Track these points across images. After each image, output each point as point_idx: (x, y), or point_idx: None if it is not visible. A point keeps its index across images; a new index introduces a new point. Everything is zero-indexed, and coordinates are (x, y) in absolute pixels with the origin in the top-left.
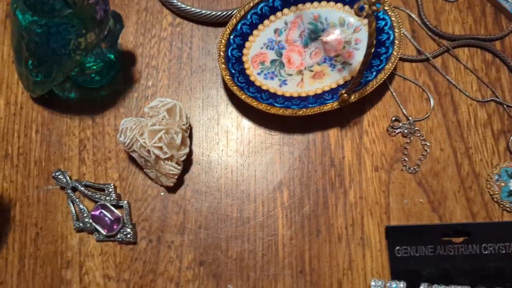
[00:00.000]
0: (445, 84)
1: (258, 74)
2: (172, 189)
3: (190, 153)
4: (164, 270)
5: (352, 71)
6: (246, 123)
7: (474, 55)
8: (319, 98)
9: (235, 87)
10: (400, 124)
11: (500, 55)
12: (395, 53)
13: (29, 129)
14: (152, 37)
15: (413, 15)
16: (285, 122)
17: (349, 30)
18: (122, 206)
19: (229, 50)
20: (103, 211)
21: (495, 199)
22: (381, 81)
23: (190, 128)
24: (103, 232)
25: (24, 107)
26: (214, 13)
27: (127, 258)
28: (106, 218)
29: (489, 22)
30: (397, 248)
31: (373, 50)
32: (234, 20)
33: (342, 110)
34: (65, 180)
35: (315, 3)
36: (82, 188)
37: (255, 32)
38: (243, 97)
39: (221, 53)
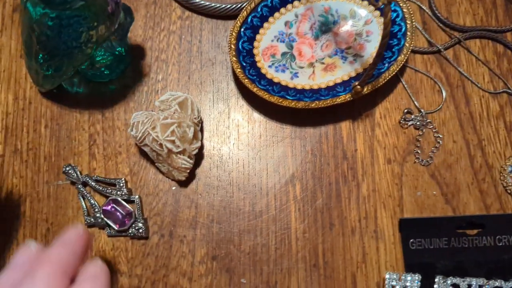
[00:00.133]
0: (457, 76)
1: (269, 66)
2: (183, 184)
3: (201, 147)
4: (176, 265)
5: (364, 64)
6: (257, 116)
7: (485, 47)
8: (331, 90)
9: (246, 80)
10: (412, 116)
11: None
12: (407, 45)
13: (38, 124)
14: (161, 30)
15: (423, 7)
16: (297, 115)
17: (360, 22)
18: (133, 201)
19: (240, 43)
20: (114, 206)
21: (509, 191)
22: (393, 73)
23: (201, 122)
24: (115, 227)
25: (33, 102)
26: (223, 6)
27: (139, 253)
28: (118, 213)
29: (500, 14)
30: (411, 240)
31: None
32: (245, 12)
33: (354, 102)
34: (75, 175)
35: None
36: (92, 183)
37: (265, 24)
38: (254, 90)
39: (232, 46)
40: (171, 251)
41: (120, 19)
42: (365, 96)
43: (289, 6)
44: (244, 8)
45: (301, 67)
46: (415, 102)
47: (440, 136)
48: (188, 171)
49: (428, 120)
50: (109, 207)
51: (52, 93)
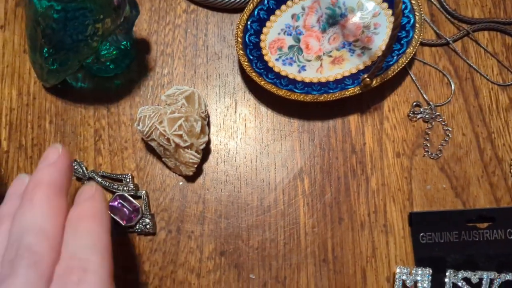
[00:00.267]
0: (466, 68)
1: (277, 60)
2: (190, 179)
3: (208, 142)
4: (184, 260)
5: (372, 56)
6: (264, 110)
7: (494, 39)
8: (339, 83)
9: (253, 73)
10: (421, 109)
11: None
12: (416, 37)
13: (43, 120)
14: (166, 24)
15: None
16: (304, 109)
17: (367, 15)
18: (140, 197)
19: (247, 36)
20: (121, 201)
21: None
22: (402, 65)
23: (208, 116)
24: (122, 223)
25: (37, 97)
26: None
27: (146, 249)
28: (125, 209)
29: (508, 5)
30: (421, 234)
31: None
32: (251, 5)
33: (362, 96)
34: (81, 171)
35: None
36: (99, 179)
37: (272, 17)
38: (262, 83)
39: (239, 39)
40: (178, 246)
41: (126, 12)
42: (373, 89)
43: None
44: (251, 1)
45: (309, 60)
46: (424, 95)
47: (449, 129)
48: (196, 166)
49: (437, 113)
50: (116, 203)
51: (57, 88)
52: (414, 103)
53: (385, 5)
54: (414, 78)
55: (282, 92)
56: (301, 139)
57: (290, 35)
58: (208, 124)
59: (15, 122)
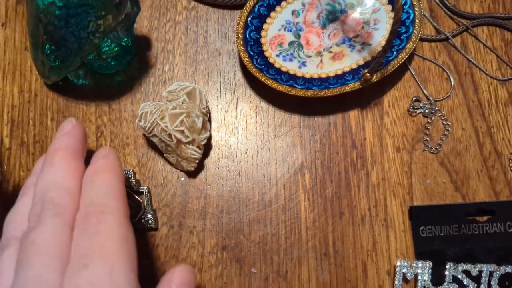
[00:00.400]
0: (465, 63)
1: (277, 56)
2: (192, 174)
3: (209, 138)
4: (186, 255)
5: (372, 52)
6: (265, 106)
7: (493, 34)
8: (340, 79)
9: (254, 69)
10: (421, 104)
11: None
12: (415, 32)
13: (45, 117)
14: (167, 21)
15: None
16: (305, 104)
17: (367, 10)
18: (142, 192)
19: (247, 32)
20: None
21: None
22: (402, 61)
23: (209, 112)
24: None
25: (39, 94)
26: None
27: (148, 244)
28: None
29: (507, 1)
30: (421, 228)
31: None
32: (251, 2)
33: (362, 91)
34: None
35: None
36: None
37: (272, 14)
38: (263, 79)
39: (239, 35)
40: (180, 242)
41: (127, 9)
42: (373, 84)
43: None
44: None
45: (309, 56)
46: (424, 90)
47: (449, 123)
48: (197, 161)
49: (436, 108)
50: None
51: (58, 86)
52: (414, 98)
53: (385, 0)
54: (413, 73)
55: (282, 88)
56: (302, 134)
57: (291, 31)
58: (209, 120)
59: (17, 119)
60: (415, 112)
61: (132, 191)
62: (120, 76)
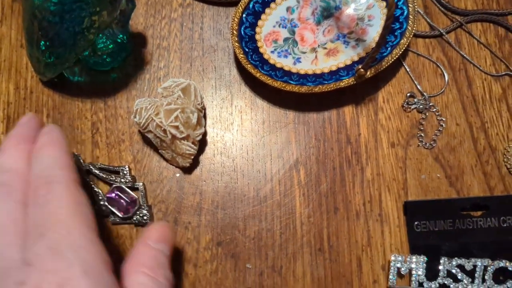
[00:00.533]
0: (459, 59)
1: (272, 52)
2: (187, 170)
3: (204, 134)
4: (181, 251)
5: (366, 48)
6: (260, 102)
7: (487, 30)
8: (334, 74)
9: (249, 65)
10: (415, 100)
11: None
12: (409, 28)
13: (40, 114)
14: (162, 18)
15: None
16: (300, 100)
17: (361, 7)
18: (137, 188)
19: (242, 28)
20: (118, 193)
21: None
22: (396, 56)
23: (204, 108)
24: (119, 214)
25: (34, 91)
26: None
27: None
28: (122, 201)
29: None
30: (416, 223)
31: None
32: None
33: (357, 87)
34: (78, 164)
35: None
36: (96, 171)
37: (267, 10)
38: (258, 75)
39: (234, 32)
40: (176, 237)
41: (122, 5)
42: (367, 80)
43: None
44: None
45: (304, 52)
46: (418, 86)
47: (443, 119)
48: (192, 157)
49: (431, 104)
50: (113, 194)
51: (54, 82)
52: (408, 94)
53: None
54: (408, 69)
55: (277, 84)
56: (297, 130)
57: (285, 27)
58: (205, 116)
59: (12, 116)
60: (410, 107)
61: (127, 187)
62: (115, 73)
